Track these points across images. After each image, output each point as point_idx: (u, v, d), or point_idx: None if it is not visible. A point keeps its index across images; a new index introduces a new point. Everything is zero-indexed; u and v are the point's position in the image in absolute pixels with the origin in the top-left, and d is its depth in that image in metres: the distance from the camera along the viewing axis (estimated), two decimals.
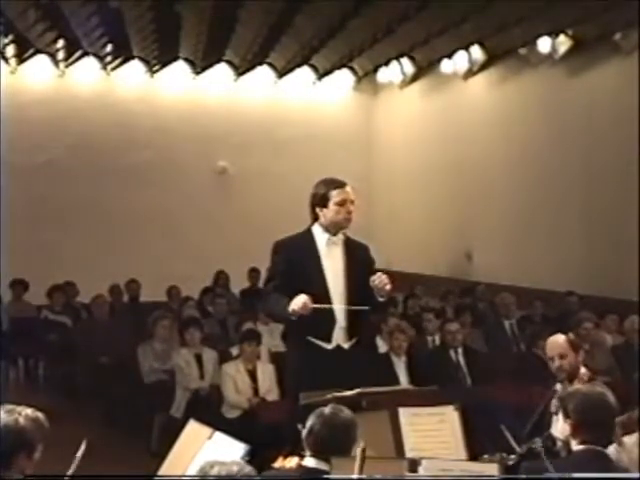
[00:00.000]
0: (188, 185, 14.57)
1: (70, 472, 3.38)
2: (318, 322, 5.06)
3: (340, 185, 5.22)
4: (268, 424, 6.73)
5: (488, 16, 10.77)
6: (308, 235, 5.26)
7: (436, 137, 14.32)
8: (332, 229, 5.22)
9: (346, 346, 5.16)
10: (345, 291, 5.17)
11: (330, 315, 5.10)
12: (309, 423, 3.78)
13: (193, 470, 3.53)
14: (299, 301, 4.94)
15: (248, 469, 2.90)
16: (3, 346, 10.51)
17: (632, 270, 10.32)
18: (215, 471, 2.84)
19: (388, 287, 5.04)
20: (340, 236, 5.25)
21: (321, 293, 5.10)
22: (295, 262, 5.17)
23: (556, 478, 3.50)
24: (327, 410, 3.82)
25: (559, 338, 5.16)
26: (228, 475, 2.81)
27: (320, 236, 5.23)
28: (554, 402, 4.66)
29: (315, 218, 5.26)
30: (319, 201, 5.21)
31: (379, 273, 5.07)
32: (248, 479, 2.86)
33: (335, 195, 5.17)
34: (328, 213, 5.19)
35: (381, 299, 5.09)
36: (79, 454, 3.43)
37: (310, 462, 3.74)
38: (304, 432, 3.78)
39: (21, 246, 12.96)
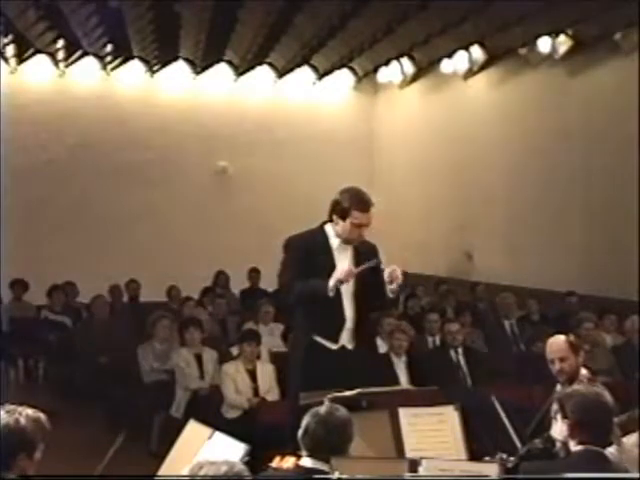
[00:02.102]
0: (188, 185, 14.56)
1: (104, 463, 3.39)
2: (327, 321, 5.12)
3: (365, 209, 5.21)
4: (268, 424, 6.72)
5: (488, 16, 10.78)
6: (321, 232, 5.34)
7: (436, 137, 14.31)
8: (342, 239, 5.31)
9: (350, 347, 5.21)
10: (355, 289, 5.23)
11: (340, 315, 5.12)
12: (304, 423, 3.78)
13: None
14: (342, 270, 5.03)
15: (238, 468, 2.87)
16: (3, 346, 10.50)
17: (632, 270, 10.32)
18: (203, 472, 2.81)
19: (399, 280, 5.06)
20: None
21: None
22: (309, 257, 5.22)
23: (555, 478, 3.50)
24: (322, 409, 3.82)
25: (559, 340, 5.13)
26: (217, 475, 2.79)
27: (333, 237, 5.32)
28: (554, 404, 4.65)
29: (330, 219, 5.32)
30: (339, 212, 5.25)
31: (394, 266, 5.10)
32: (239, 479, 2.83)
33: (356, 217, 5.20)
34: (343, 227, 5.25)
35: (391, 295, 5.11)
36: (114, 447, 3.44)
37: (307, 462, 3.74)
38: (300, 432, 3.79)
39: (21, 246, 12.96)
